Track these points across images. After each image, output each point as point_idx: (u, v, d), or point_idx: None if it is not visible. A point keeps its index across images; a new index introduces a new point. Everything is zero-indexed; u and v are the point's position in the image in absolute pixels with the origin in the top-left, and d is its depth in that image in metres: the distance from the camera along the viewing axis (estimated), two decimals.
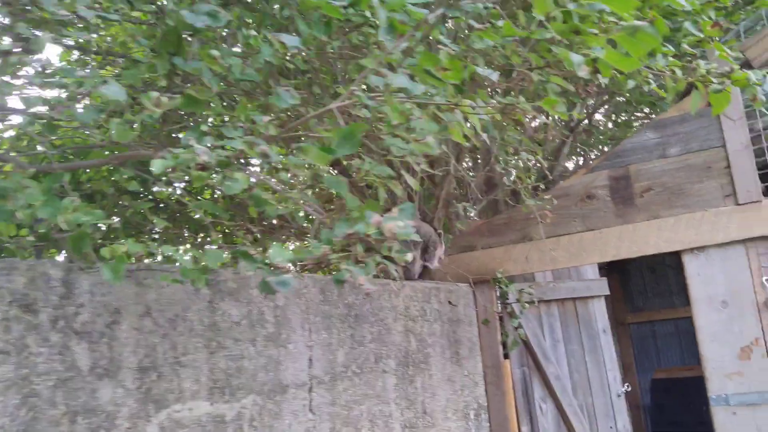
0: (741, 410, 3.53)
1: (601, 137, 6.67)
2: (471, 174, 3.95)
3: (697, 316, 3.69)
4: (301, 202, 2.30)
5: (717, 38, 2.94)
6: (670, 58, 2.48)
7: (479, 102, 2.04)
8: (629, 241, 3.80)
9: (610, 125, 6.83)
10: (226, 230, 4.95)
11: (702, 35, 2.59)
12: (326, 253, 1.77)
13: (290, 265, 1.83)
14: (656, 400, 7.26)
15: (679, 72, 2.43)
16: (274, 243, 2.32)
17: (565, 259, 3.97)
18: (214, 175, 1.73)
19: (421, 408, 3.28)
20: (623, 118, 6.52)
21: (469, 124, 2.14)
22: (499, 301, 4.12)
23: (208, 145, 1.71)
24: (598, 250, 3.88)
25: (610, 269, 8.39)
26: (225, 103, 3.11)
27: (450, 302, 3.76)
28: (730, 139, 3.63)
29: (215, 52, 1.87)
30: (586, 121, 5.91)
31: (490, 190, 4.58)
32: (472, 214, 3.83)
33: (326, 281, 2.72)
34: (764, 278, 3.53)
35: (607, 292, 4.67)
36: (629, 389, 4.76)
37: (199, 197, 4.50)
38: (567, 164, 6.46)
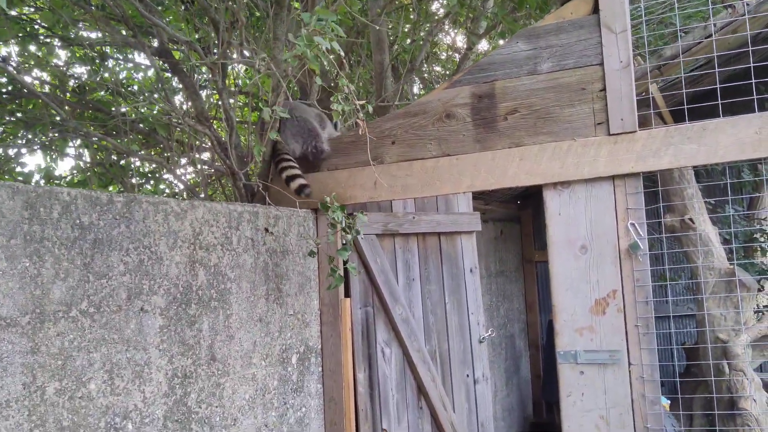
0: (589, 369, 3.11)
1: None
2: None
3: (554, 261, 3.21)
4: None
5: None
6: None
7: None
8: (486, 171, 3.25)
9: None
10: None
11: None
12: None
13: None
14: (550, 341, 6.98)
15: None
16: None
17: (418, 188, 3.41)
18: None
19: (207, 354, 2.74)
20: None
21: None
22: (343, 231, 3.56)
23: None
24: (453, 179, 3.32)
25: (525, 204, 7.97)
26: None
27: (267, 230, 3.18)
28: (609, 55, 3.04)
29: None
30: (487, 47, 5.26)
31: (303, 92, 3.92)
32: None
33: (39, 194, 2.09)
34: (629, 222, 3.04)
35: (479, 228, 4.16)
36: (493, 334, 4.35)
37: None
38: None
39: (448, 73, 8.04)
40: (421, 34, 6.22)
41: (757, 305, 4.69)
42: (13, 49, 4.27)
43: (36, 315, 2.04)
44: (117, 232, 2.35)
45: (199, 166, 4.57)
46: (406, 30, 5.94)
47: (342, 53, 2.42)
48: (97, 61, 4.55)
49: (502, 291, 6.83)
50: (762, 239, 5.15)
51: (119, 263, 2.35)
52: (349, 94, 2.47)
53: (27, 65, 4.35)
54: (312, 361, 3.48)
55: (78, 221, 2.20)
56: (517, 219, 7.69)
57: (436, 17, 5.83)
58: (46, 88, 4.73)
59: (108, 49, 4.64)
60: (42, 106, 3.93)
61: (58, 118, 4.06)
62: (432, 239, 3.99)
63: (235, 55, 4.27)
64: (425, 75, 8.15)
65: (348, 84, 2.45)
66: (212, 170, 4.71)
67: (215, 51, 3.57)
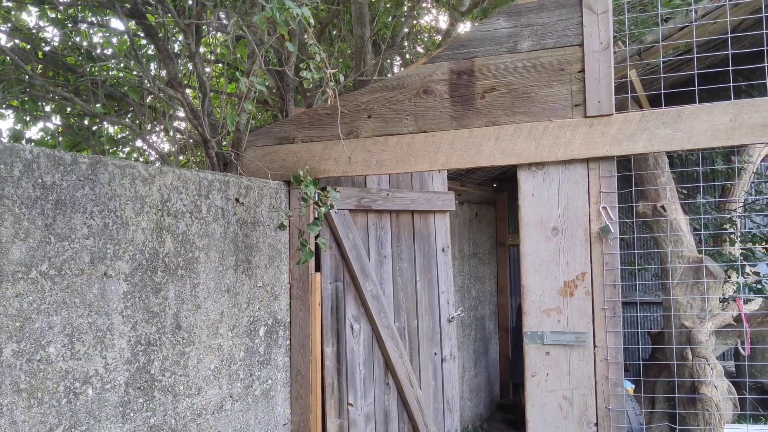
0: (555, 351, 3.14)
1: None
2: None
3: (525, 242, 3.21)
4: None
5: None
6: None
7: None
8: (462, 149, 3.23)
9: None
10: None
11: None
12: None
13: None
14: (520, 324, 7.04)
15: None
16: None
17: (393, 164, 3.38)
18: None
19: (173, 323, 2.70)
20: None
21: None
22: (316, 205, 3.51)
23: None
24: (428, 156, 3.30)
25: (501, 188, 7.99)
26: None
27: (237, 200, 3.13)
28: (589, 36, 3.03)
29: None
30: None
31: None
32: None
33: (0, 150, 2.02)
34: (602, 205, 3.05)
35: (452, 208, 4.15)
36: (462, 314, 4.36)
37: None
38: None
39: (429, 52, 7.97)
40: (404, 9, 6.16)
41: (723, 294, 4.77)
42: None
43: None
44: (81, 194, 2.29)
45: (171, 133, 4.48)
46: (387, 6, 5.87)
47: (312, 21, 2.37)
48: (69, 24, 4.41)
49: (474, 273, 6.86)
50: (731, 229, 5.23)
51: (83, 226, 2.30)
52: (321, 62, 2.41)
53: None
54: (280, 334, 3.46)
55: (40, 180, 2.14)
56: (492, 202, 7.72)
57: None
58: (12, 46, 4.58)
59: (80, 11, 4.50)
60: (10, 64, 3.81)
61: (26, 77, 3.95)
62: (405, 217, 3.97)
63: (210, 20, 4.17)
64: (407, 56, 8.08)
65: (319, 51, 2.40)
66: (184, 138, 4.62)
67: (191, 16, 3.48)
